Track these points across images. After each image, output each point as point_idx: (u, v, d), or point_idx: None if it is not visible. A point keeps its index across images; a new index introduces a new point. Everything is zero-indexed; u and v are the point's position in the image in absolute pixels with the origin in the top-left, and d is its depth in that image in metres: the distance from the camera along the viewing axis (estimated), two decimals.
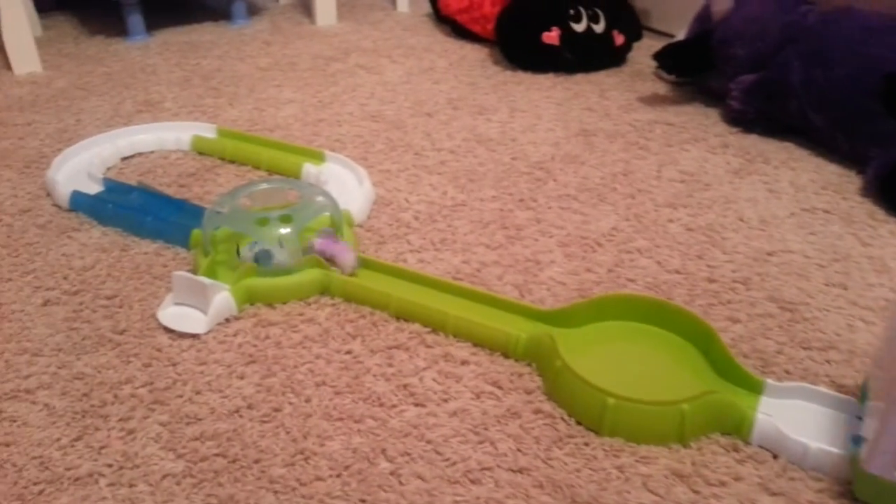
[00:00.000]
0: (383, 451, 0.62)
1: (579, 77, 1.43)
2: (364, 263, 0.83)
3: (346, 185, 1.00)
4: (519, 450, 0.62)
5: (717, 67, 1.24)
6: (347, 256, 0.81)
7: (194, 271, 0.80)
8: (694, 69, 1.29)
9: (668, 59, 1.28)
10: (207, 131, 1.15)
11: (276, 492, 0.58)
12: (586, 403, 0.64)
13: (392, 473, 0.60)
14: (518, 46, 1.46)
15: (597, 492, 0.58)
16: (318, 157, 1.06)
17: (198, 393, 0.68)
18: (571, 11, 1.42)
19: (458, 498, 0.58)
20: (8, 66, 1.44)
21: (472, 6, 1.59)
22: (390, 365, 0.71)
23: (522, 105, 1.30)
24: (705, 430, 0.63)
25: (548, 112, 1.27)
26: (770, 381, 0.66)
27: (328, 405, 0.66)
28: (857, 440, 0.58)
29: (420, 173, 1.07)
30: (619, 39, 1.47)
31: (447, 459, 0.61)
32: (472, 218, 0.96)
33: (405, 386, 0.69)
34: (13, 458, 0.61)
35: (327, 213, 0.85)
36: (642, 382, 0.67)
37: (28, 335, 0.75)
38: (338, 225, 0.85)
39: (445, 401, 0.67)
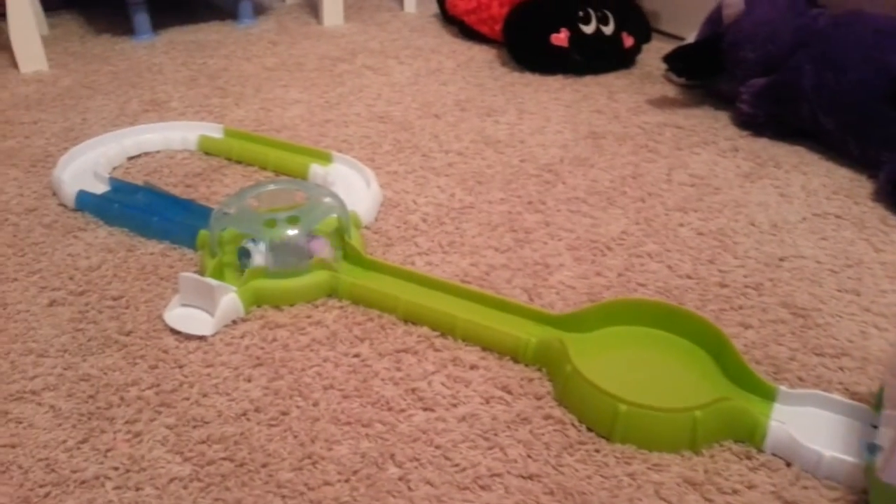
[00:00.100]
0: (392, 455, 0.61)
1: (588, 79, 1.42)
2: (372, 266, 0.82)
3: (353, 186, 1.00)
4: (529, 456, 0.61)
5: (727, 70, 1.23)
6: (323, 252, 0.80)
7: (201, 272, 0.79)
8: (704, 72, 1.28)
9: (679, 62, 1.27)
10: (214, 131, 1.14)
11: (283, 496, 0.57)
12: (597, 409, 0.63)
13: (401, 479, 0.59)
14: (526, 48, 1.45)
15: (608, 499, 0.58)
16: (326, 158, 1.05)
17: (205, 395, 0.67)
18: (580, 13, 1.41)
19: None
20: (14, 65, 1.43)
21: (479, 7, 1.58)
22: (398, 369, 0.71)
23: (531, 107, 1.29)
24: (718, 437, 0.62)
25: (556, 114, 1.27)
26: (783, 387, 0.65)
27: (336, 409, 0.66)
28: (872, 449, 0.57)
29: (428, 175, 1.06)
30: (629, 41, 1.46)
31: (456, 465, 0.60)
32: (480, 220, 0.95)
33: (413, 390, 0.68)
34: (19, 460, 0.61)
35: (335, 215, 0.85)
36: (654, 388, 0.66)
37: (34, 336, 0.74)
38: (345, 226, 0.84)
39: (454, 405, 0.66)
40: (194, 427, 0.64)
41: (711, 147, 1.15)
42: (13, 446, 0.62)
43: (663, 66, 1.35)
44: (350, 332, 0.75)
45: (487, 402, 0.67)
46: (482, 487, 0.59)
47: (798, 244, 0.91)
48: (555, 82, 1.41)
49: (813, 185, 1.04)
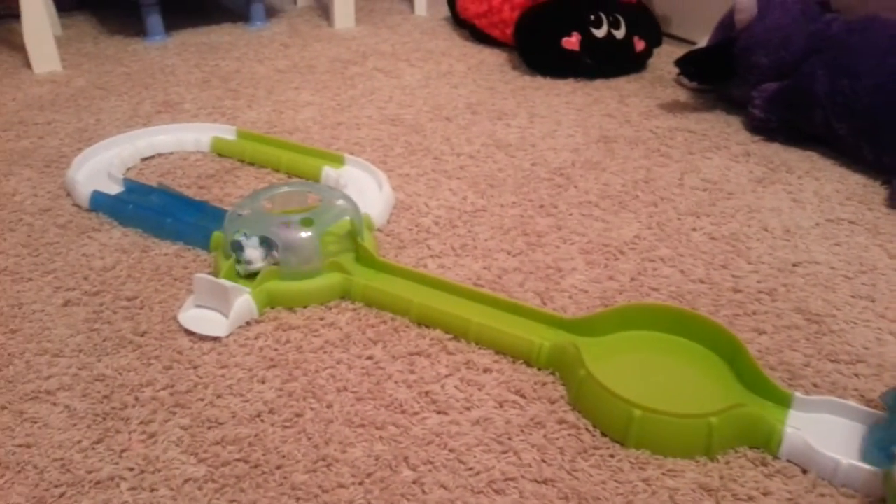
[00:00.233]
0: (405, 458, 0.61)
1: (599, 83, 1.42)
2: (384, 268, 0.82)
3: (365, 188, 1.00)
4: (543, 460, 0.61)
5: (739, 75, 1.23)
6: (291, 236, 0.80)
7: (215, 274, 0.80)
8: (716, 77, 1.28)
9: (691, 66, 1.27)
10: (227, 133, 1.14)
11: (298, 498, 0.58)
12: (612, 414, 0.63)
13: (415, 482, 0.59)
14: (538, 52, 1.45)
15: None
16: (338, 161, 1.06)
17: (219, 396, 0.67)
18: (592, 17, 1.41)
19: None
20: (28, 65, 1.44)
21: (490, 10, 1.58)
22: (412, 371, 0.71)
23: (542, 110, 1.29)
24: (733, 443, 0.62)
25: (568, 118, 1.27)
26: (798, 394, 0.65)
27: (350, 411, 0.66)
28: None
29: (440, 178, 1.06)
30: (640, 45, 1.46)
31: (470, 469, 0.60)
32: (492, 224, 0.95)
33: (427, 393, 0.68)
34: (34, 460, 0.61)
35: (348, 217, 0.85)
36: (668, 394, 0.66)
37: (49, 336, 0.75)
38: (358, 229, 0.84)
39: (468, 409, 0.66)
40: (209, 428, 0.64)
41: (724, 152, 1.15)
42: (28, 446, 0.62)
43: (674, 70, 1.35)
44: (363, 335, 0.75)
45: (501, 406, 0.67)
46: (496, 492, 0.59)
47: (811, 250, 0.90)
48: (566, 86, 1.41)
49: (826, 191, 1.04)
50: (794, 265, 0.87)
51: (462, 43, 1.65)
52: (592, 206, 1.00)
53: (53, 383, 0.69)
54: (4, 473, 0.60)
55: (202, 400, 0.67)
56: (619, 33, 1.43)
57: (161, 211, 0.92)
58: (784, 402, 0.65)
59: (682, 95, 1.37)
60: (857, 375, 0.71)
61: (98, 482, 0.59)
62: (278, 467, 0.60)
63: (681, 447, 0.61)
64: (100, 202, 0.95)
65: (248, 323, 0.76)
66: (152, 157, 1.12)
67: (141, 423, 0.64)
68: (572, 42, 1.40)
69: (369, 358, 0.72)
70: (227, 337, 0.74)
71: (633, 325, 0.74)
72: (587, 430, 0.64)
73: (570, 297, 0.81)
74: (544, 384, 0.69)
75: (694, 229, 0.94)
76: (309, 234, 0.80)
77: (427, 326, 0.76)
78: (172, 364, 0.71)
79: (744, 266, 0.87)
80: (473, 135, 1.20)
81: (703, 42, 1.36)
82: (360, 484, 0.59)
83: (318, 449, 0.62)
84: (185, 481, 0.59)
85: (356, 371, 0.70)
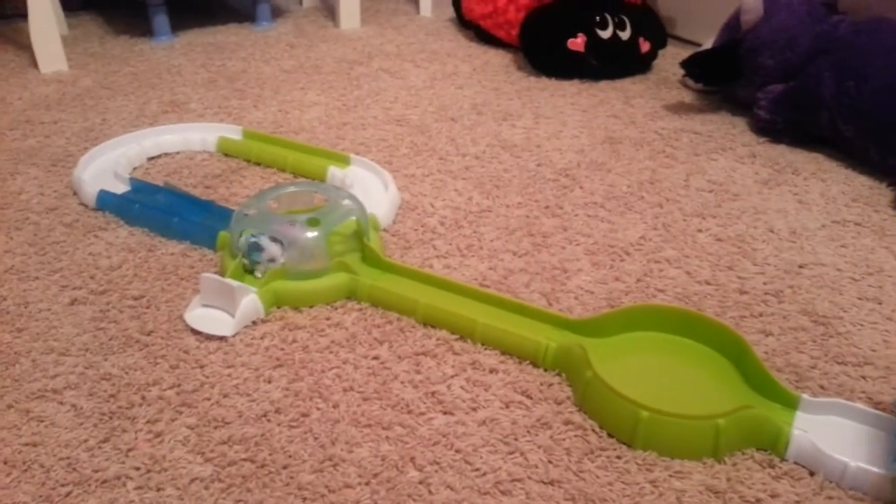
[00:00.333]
0: (412, 459, 0.61)
1: (604, 84, 1.42)
2: (390, 268, 0.82)
3: (371, 189, 1.00)
4: (550, 461, 0.61)
5: (744, 76, 1.23)
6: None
7: (221, 273, 0.80)
8: (722, 78, 1.27)
9: (696, 67, 1.26)
10: (233, 133, 1.14)
11: (304, 498, 0.58)
12: (619, 416, 0.63)
13: (421, 482, 0.59)
14: (543, 52, 1.45)
15: None
16: (343, 161, 1.06)
17: (225, 396, 0.67)
18: (597, 18, 1.41)
19: None
20: (35, 65, 1.44)
21: (496, 11, 1.58)
22: (418, 372, 0.71)
23: (547, 111, 1.29)
24: (740, 445, 0.62)
25: (573, 119, 1.26)
26: (805, 396, 0.64)
27: (356, 411, 0.66)
28: None
29: (445, 178, 1.06)
30: (645, 47, 1.46)
31: (477, 469, 0.60)
32: (498, 224, 0.95)
33: (433, 393, 0.68)
34: (41, 459, 0.61)
35: (354, 217, 0.85)
36: (675, 395, 0.66)
37: (55, 334, 0.75)
38: (364, 229, 0.84)
39: (474, 409, 0.66)
40: (215, 427, 0.64)
41: (729, 153, 1.15)
42: (35, 445, 0.62)
43: (680, 71, 1.35)
44: (369, 335, 0.75)
45: (507, 407, 0.67)
46: (503, 492, 0.58)
47: (818, 251, 0.90)
48: (571, 87, 1.41)
49: (832, 193, 1.04)
50: (801, 267, 0.87)
51: (467, 44, 1.65)
52: (598, 206, 1.00)
53: (60, 382, 0.69)
54: (11, 472, 0.60)
55: (208, 399, 0.67)
56: (625, 34, 1.43)
57: (167, 210, 0.92)
58: (791, 403, 0.64)
59: (688, 97, 1.37)
60: (864, 378, 0.70)
61: (104, 481, 0.59)
62: (285, 467, 0.60)
63: (688, 449, 0.61)
64: (106, 201, 0.95)
65: (254, 322, 0.76)
66: (158, 156, 1.12)
67: (147, 422, 0.64)
68: (577, 43, 1.40)
69: (375, 358, 0.72)
70: (233, 336, 0.74)
71: (640, 326, 0.73)
72: (594, 431, 0.64)
73: (576, 298, 0.81)
74: (550, 385, 0.69)
75: (700, 230, 0.94)
76: (315, 233, 0.80)
77: (433, 327, 0.76)
78: (179, 363, 0.71)
79: (750, 267, 0.87)
80: (479, 135, 1.20)
81: (708, 43, 1.36)
82: (367, 484, 0.59)
83: (325, 449, 0.62)
84: (192, 481, 0.59)
85: (362, 371, 0.70)
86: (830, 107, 1.09)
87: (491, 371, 0.71)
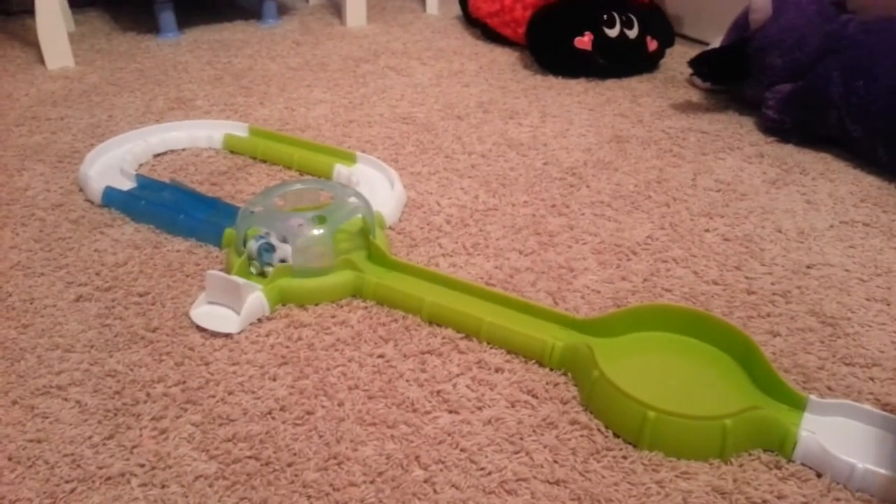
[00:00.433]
0: (417, 458, 0.61)
1: (611, 82, 1.42)
2: (396, 266, 0.82)
3: (377, 186, 1.00)
4: (555, 461, 0.61)
5: (753, 76, 1.22)
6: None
7: (227, 270, 0.80)
8: (730, 77, 1.27)
9: (704, 66, 1.26)
10: (239, 130, 1.14)
11: (309, 496, 0.57)
12: (625, 416, 0.63)
13: (426, 481, 0.59)
14: (550, 51, 1.45)
15: None
16: (350, 158, 1.05)
17: (230, 393, 0.67)
18: (605, 16, 1.41)
19: None
20: (41, 61, 1.44)
21: (502, 9, 1.58)
22: (423, 370, 0.70)
23: (553, 110, 1.29)
24: (747, 446, 0.62)
25: (580, 117, 1.26)
26: (813, 396, 0.64)
27: (361, 409, 0.66)
28: None
29: (451, 176, 1.06)
30: (653, 45, 1.46)
31: (482, 469, 0.60)
32: (504, 223, 0.95)
33: (438, 392, 0.68)
34: (45, 455, 0.61)
35: (360, 215, 0.85)
36: (682, 395, 0.65)
37: (60, 331, 0.75)
38: (370, 227, 0.84)
39: (480, 408, 0.66)
40: (220, 425, 0.64)
41: (737, 153, 1.15)
42: (39, 441, 0.62)
43: (687, 70, 1.34)
44: (375, 333, 0.75)
45: (513, 406, 0.66)
46: (508, 492, 0.58)
47: (826, 252, 0.90)
48: (578, 85, 1.40)
49: (840, 193, 1.03)
50: (809, 267, 0.87)
51: (474, 42, 1.65)
52: (605, 206, 0.99)
53: (65, 378, 0.69)
54: (15, 468, 0.60)
55: (213, 396, 0.67)
56: (632, 33, 1.43)
57: (173, 207, 0.92)
58: (799, 404, 0.64)
59: (695, 96, 1.36)
60: (872, 379, 0.70)
61: (109, 478, 0.59)
62: (289, 465, 0.60)
63: (695, 449, 0.61)
64: (112, 198, 0.95)
65: (259, 320, 0.76)
66: (164, 153, 1.12)
67: (152, 419, 0.64)
68: (584, 41, 1.40)
69: (381, 356, 0.72)
70: (238, 334, 0.74)
71: (647, 325, 0.73)
72: (599, 430, 0.64)
73: (583, 297, 0.81)
74: (556, 384, 0.69)
75: (707, 230, 0.94)
76: (321, 231, 0.79)
77: (439, 325, 0.76)
78: (184, 360, 0.71)
79: (757, 267, 0.86)
80: (485, 134, 1.19)
81: (715, 42, 1.35)
82: (372, 482, 0.59)
83: (330, 447, 0.62)
84: (196, 478, 0.59)
85: (367, 369, 0.70)
86: (839, 106, 1.09)
87: (496, 370, 0.70)
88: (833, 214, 0.98)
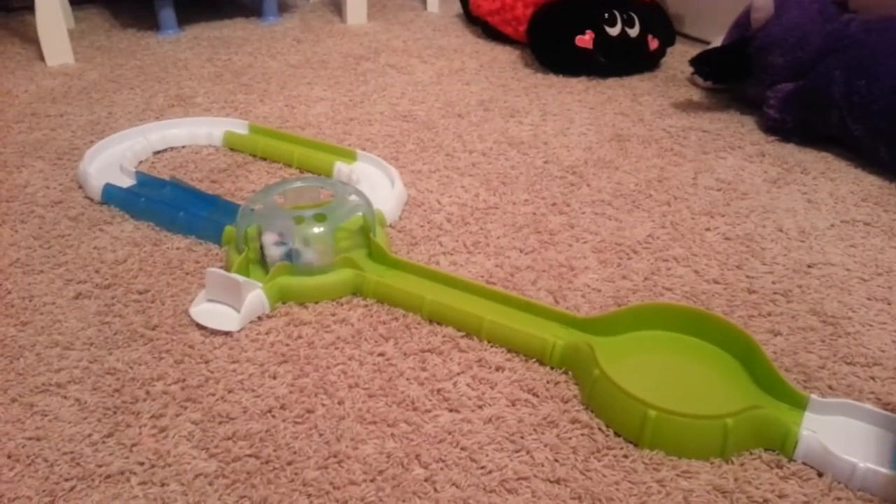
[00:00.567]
0: (417, 456, 0.61)
1: (612, 81, 1.42)
2: (397, 265, 0.82)
3: (377, 184, 1.00)
4: (556, 460, 0.61)
5: (754, 75, 1.22)
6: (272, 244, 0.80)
7: (227, 268, 0.79)
8: (731, 76, 1.27)
9: (706, 65, 1.26)
10: (239, 127, 1.14)
11: (309, 495, 0.57)
12: (626, 414, 0.62)
13: (427, 480, 0.59)
14: (551, 49, 1.44)
15: None
16: (350, 156, 1.05)
17: (230, 391, 0.67)
18: (606, 15, 1.40)
19: None
20: (41, 58, 1.44)
21: (503, 8, 1.58)
22: (424, 369, 0.70)
23: (554, 108, 1.29)
24: (748, 445, 0.62)
25: (580, 116, 1.26)
26: (814, 396, 0.64)
27: (361, 408, 0.65)
28: None
29: (452, 175, 1.06)
30: (654, 44, 1.45)
31: (483, 467, 0.60)
32: (504, 221, 0.95)
33: (439, 391, 0.68)
34: (44, 453, 0.61)
35: (360, 213, 0.84)
36: (683, 394, 0.65)
37: (59, 328, 0.75)
38: (371, 225, 0.84)
39: (480, 407, 0.66)
40: (220, 423, 0.63)
41: (738, 152, 1.14)
42: (38, 439, 0.62)
43: (688, 69, 1.34)
44: (375, 331, 0.75)
45: (513, 405, 0.66)
46: (509, 491, 0.58)
47: (826, 251, 0.89)
48: (578, 84, 1.40)
49: (841, 192, 1.03)
50: (810, 266, 0.86)
51: (474, 40, 1.65)
52: (605, 204, 0.99)
53: (64, 376, 0.68)
54: (14, 466, 0.59)
55: (213, 395, 0.66)
56: (633, 32, 1.42)
57: (173, 204, 0.92)
58: (800, 404, 0.64)
59: (696, 95, 1.36)
60: (873, 378, 0.70)
61: (108, 476, 0.59)
62: (289, 463, 0.60)
63: (696, 448, 0.61)
64: (111, 195, 0.95)
65: (259, 318, 0.76)
66: (164, 150, 1.11)
67: (152, 417, 0.64)
68: (585, 40, 1.40)
69: (381, 354, 0.72)
70: (238, 332, 0.74)
71: (647, 324, 0.73)
72: (600, 429, 0.64)
73: (583, 296, 0.81)
74: (557, 383, 0.69)
75: (708, 229, 0.94)
76: (321, 229, 0.79)
77: (439, 323, 0.76)
78: (184, 358, 0.71)
79: (758, 267, 0.86)
80: (486, 132, 1.19)
81: (716, 41, 1.35)
82: (372, 481, 0.59)
83: (330, 445, 0.62)
84: (196, 476, 0.59)
85: (368, 368, 0.70)
86: (840, 106, 1.08)
87: (497, 369, 0.70)
88: (834, 214, 0.98)
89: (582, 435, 0.63)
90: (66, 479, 0.58)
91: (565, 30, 1.41)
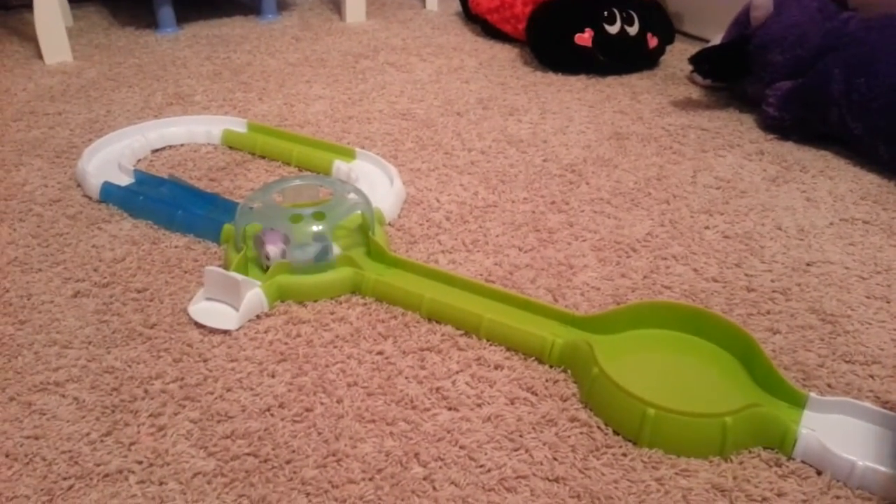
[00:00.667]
0: (416, 455, 0.61)
1: (611, 79, 1.41)
2: (395, 263, 0.82)
3: (376, 183, 0.99)
4: (555, 458, 0.61)
5: (754, 73, 1.22)
6: (276, 244, 0.79)
7: (225, 266, 0.79)
8: (730, 74, 1.27)
9: (705, 63, 1.25)
10: (238, 125, 1.14)
11: (308, 494, 0.57)
12: (625, 413, 0.62)
13: (425, 478, 0.59)
14: (550, 47, 1.44)
15: None
16: (349, 155, 1.05)
17: (229, 390, 0.67)
18: (605, 13, 1.40)
19: None
20: (39, 56, 1.44)
21: (502, 6, 1.57)
22: (422, 367, 0.70)
23: (553, 107, 1.29)
24: (747, 443, 0.62)
25: (579, 114, 1.26)
26: (813, 394, 0.64)
27: (360, 406, 0.65)
28: None
29: (451, 173, 1.06)
30: (653, 42, 1.45)
31: (482, 466, 0.60)
32: (503, 220, 0.95)
33: (438, 389, 0.67)
34: (42, 452, 0.60)
35: (359, 211, 0.84)
36: (682, 393, 0.65)
37: (58, 327, 0.74)
38: (369, 223, 0.84)
39: (479, 405, 0.66)
40: (218, 422, 0.63)
41: (737, 150, 1.14)
42: (37, 438, 0.62)
43: (687, 67, 1.34)
44: (374, 330, 0.75)
45: (512, 403, 0.66)
46: (508, 489, 0.58)
47: (825, 249, 0.89)
48: (578, 82, 1.40)
49: (840, 191, 1.03)
50: (808, 265, 0.86)
51: (473, 38, 1.64)
52: (604, 203, 0.99)
53: (62, 375, 0.68)
54: (13, 465, 0.59)
55: (212, 393, 0.66)
56: (633, 30, 1.42)
57: (171, 203, 0.92)
58: (799, 402, 0.64)
59: (695, 93, 1.36)
60: (872, 376, 0.70)
61: (106, 475, 0.59)
62: (288, 462, 0.60)
63: (694, 447, 0.61)
64: (110, 193, 0.95)
65: (258, 316, 0.76)
66: (163, 148, 1.11)
67: (150, 415, 0.64)
68: (585, 38, 1.40)
69: (380, 353, 0.72)
70: (237, 330, 0.74)
71: (647, 323, 0.73)
72: (599, 428, 0.64)
73: (582, 294, 0.81)
74: (556, 381, 0.69)
75: (707, 227, 0.94)
76: (320, 227, 0.79)
77: (438, 322, 0.76)
78: (182, 357, 0.70)
79: (757, 265, 0.86)
80: (485, 130, 1.19)
81: (715, 39, 1.35)
82: (371, 480, 0.59)
83: (329, 444, 0.61)
84: (195, 475, 0.59)
85: (366, 366, 0.70)
86: (840, 104, 1.08)
87: (496, 367, 0.70)
88: (833, 212, 0.98)
89: (581, 433, 0.63)
90: (65, 478, 0.58)
91: (564, 28, 1.41)
